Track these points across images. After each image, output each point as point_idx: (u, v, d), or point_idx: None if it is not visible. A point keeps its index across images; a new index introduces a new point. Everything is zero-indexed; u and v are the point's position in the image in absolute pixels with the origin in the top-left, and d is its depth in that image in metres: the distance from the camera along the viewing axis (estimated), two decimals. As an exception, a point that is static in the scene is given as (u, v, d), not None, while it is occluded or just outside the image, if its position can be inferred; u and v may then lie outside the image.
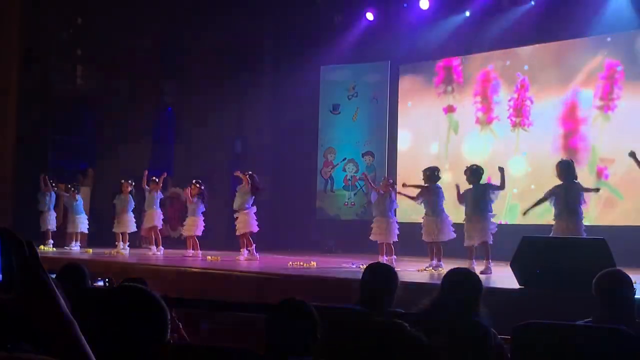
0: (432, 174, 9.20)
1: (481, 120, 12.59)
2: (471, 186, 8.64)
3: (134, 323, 1.84)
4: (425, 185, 9.16)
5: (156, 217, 11.94)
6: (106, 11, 13.93)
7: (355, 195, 14.14)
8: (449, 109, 13.02)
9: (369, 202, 10.54)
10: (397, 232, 9.76)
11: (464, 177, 8.78)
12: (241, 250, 10.79)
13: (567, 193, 7.77)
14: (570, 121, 11.57)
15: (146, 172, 11.99)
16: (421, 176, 9.32)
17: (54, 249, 12.35)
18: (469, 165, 8.87)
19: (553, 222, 7.89)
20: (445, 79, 13.08)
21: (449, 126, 12.99)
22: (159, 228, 12.05)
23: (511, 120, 12.19)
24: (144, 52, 14.08)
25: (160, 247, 11.91)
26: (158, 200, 11.97)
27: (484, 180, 8.83)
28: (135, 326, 1.84)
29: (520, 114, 12.06)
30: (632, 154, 7.63)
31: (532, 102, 11.98)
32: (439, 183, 9.24)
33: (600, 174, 11.05)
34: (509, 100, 12.21)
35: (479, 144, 12.51)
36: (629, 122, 10.79)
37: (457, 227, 9.02)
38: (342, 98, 14.34)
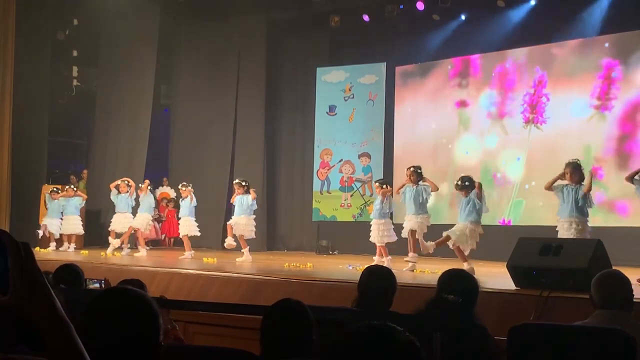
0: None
1: (494, 116, 12.55)
2: (463, 194, 8.57)
3: (123, 325, 1.83)
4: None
5: (145, 221, 11.86)
6: (102, 12, 13.90)
7: (352, 197, 14.13)
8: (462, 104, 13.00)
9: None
10: (393, 233, 9.79)
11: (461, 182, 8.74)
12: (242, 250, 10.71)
13: (576, 193, 7.70)
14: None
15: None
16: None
17: (50, 250, 12.31)
18: (461, 176, 8.78)
19: (556, 224, 7.83)
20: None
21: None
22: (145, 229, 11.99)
23: (524, 116, 12.12)
24: (140, 53, 14.06)
25: (145, 247, 11.81)
26: (147, 204, 11.89)
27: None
28: (124, 327, 1.83)
29: (534, 110, 11.98)
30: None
31: (548, 99, 11.85)
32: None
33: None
34: (524, 96, 12.13)
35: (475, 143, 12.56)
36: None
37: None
38: (339, 99, 14.33)
